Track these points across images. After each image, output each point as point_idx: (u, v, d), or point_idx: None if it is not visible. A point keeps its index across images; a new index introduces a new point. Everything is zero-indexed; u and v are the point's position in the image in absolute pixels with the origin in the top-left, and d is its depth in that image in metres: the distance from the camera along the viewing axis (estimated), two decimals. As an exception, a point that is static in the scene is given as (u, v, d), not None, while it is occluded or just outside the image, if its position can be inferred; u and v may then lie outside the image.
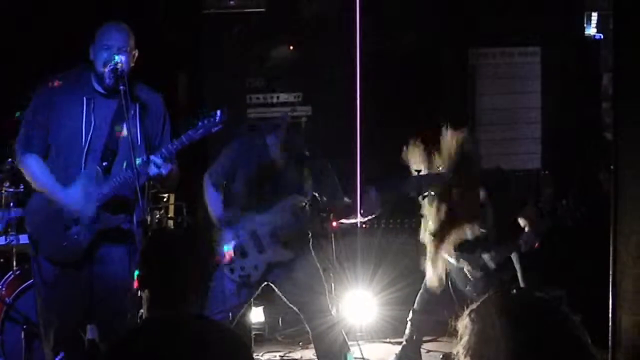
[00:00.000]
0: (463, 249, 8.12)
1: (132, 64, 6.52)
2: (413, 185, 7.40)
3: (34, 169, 6.60)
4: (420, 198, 7.96)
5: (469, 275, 8.22)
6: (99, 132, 6.53)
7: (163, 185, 7.06)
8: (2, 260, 8.65)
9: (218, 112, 6.48)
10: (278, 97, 10.14)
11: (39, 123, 6.61)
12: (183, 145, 6.47)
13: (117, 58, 6.37)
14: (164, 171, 6.36)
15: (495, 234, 8.16)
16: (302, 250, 7.29)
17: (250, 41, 10.31)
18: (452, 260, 8.17)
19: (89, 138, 6.49)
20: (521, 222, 8.17)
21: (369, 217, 7.28)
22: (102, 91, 6.54)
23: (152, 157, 6.35)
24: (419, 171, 7.73)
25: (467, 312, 2.66)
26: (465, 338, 2.63)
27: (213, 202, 7.32)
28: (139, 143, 6.49)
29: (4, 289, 8.22)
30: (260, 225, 7.16)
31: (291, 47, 10.66)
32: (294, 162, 7.26)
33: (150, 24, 9.51)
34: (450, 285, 8.30)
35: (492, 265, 8.16)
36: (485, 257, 8.16)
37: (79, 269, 6.65)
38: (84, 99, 6.52)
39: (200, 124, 6.48)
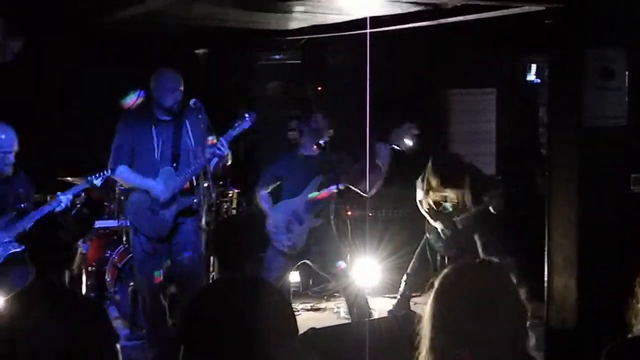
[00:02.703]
0: (441, 211, 8.14)
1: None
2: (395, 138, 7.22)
3: (126, 175, 6.88)
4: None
5: (441, 234, 8.21)
6: (165, 145, 6.79)
7: (224, 164, 7.02)
8: (115, 237, 8.65)
9: (247, 116, 6.86)
10: (310, 124, 10.12)
11: (123, 143, 6.86)
12: (232, 136, 6.77)
13: (178, 96, 6.74)
14: (226, 151, 6.68)
15: (467, 204, 8.16)
16: (329, 223, 7.33)
17: (290, 82, 10.31)
18: (431, 220, 8.20)
19: (160, 151, 6.75)
20: (485, 198, 8.15)
21: (383, 173, 7.09)
22: (164, 117, 6.79)
23: (219, 142, 6.66)
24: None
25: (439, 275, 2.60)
26: (432, 295, 2.57)
27: (263, 201, 7.33)
28: (193, 146, 6.80)
29: (116, 257, 8.21)
30: (298, 205, 7.14)
31: (319, 88, 10.67)
32: (321, 162, 7.22)
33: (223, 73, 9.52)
34: (427, 246, 8.33)
35: (460, 226, 8.16)
36: (456, 219, 8.16)
37: (165, 243, 6.84)
38: (152, 124, 6.79)
39: (237, 124, 6.85)
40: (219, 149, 6.63)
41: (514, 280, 2.57)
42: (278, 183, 7.33)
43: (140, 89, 7.97)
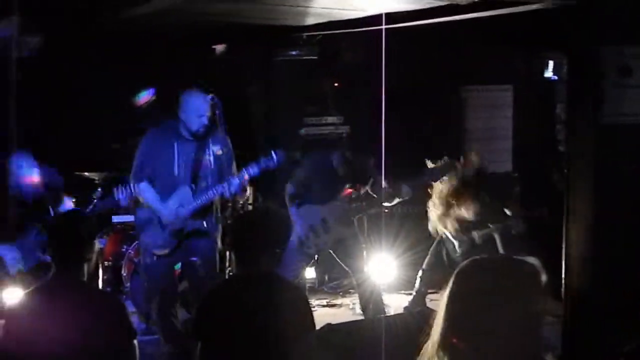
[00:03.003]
0: (462, 227, 8.07)
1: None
2: (430, 174, 7.38)
3: (145, 193, 6.86)
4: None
5: (457, 247, 8.15)
6: (186, 165, 6.79)
7: (236, 197, 7.18)
8: (132, 232, 8.66)
9: (274, 153, 6.76)
10: (326, 119, 10.10)
11: (145, 160, 6.87)
12: (250, 175, 6.76)
13: (205, 121, 6.74)
14: (238, 190, 6.73)
15: (486, 218, 8.08)
16: (353, 228, 7.36)
17: (306, 79, 10.29)
18: (450, 236, 8.11)
19: (180, 170, 6.78)
20: (507, 211, 8.08)
21: (398, 202, 7.26)
22: (187, 137, 6.79)
23: (231, 179, 6.69)
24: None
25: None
26: (447, 289, 2.56)
27: (288, 195, 7.35)
28: (214, 169, 6.82)
29: (132, 252, 8.23)
30: (327, 213, 7.20)
31: (335, 84, 10.66)
32: (347, 168, 7.28)
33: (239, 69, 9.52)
34: (443, 242, 8.28)
35: (479, 241, 8.08)
36: (475, 234, 8.08)
37: (171, 256, 6.88)
38: (175, 143, 6.77)
39: (262, 161, 6.76)
40: (240, 186, 6.69)
41: (540, 280, 2.55)
42: (304, 182, 7.36)
43: (152, 86, 8.00)
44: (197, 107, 6.71)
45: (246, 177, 6.71)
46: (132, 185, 6.87)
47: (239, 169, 6.84)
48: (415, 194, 7.45)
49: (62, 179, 7.08)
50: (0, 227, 6.50)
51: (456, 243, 8.12)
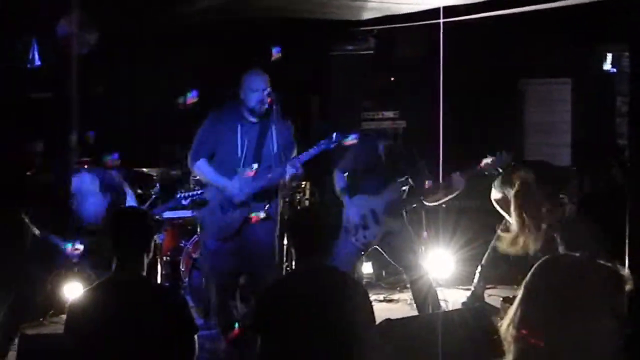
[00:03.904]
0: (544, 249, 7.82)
1: (270, 98, 6.68)
2: (490, 166, 7.23)
3: (204, 169, 6.87)
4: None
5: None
6: (249, 147, 6.76)
7: (293, 182, 7.15)
8: (189, 227, 8.73)
9: (335, 135, 6.75)
10: (382, 114, 10.07)
11: (206, 139, 6.87)
12: (311, 156, 6.74)
13: (264, 97, 6.64)
14: (298, 171, 6.66)
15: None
16: (402, 221, 7.21)
17: (363, 74, 10.28)
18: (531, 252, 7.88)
19: (243, 151, 6.73)
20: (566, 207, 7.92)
21: (453, 195, 7.14)
22: (250, 119, 6.76)
23: (293, 160, 6.67)
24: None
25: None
26: (522, 287, 2.55)
27: (338, 181, 7.27)
28: (276, 153, 6.75)
29: (190, 247, 8.28)
30: (377, 204, 7.11)
31: (392, 78, 10.64)
32: (394, 158, 7.21)
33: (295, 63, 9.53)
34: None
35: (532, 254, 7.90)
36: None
37: (233, 241, 6.85)
38: (238, 125, 6.76)
39: (322, 142, 6.76)
40: (295, 166, 6.63)
41: (623, 285, 2.51)
42: (355, 172, 7.30)
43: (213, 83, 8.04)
44: (254, 83, 6.68)
45: (306, 158, 6.69)
46: (190, 163, 6.92)
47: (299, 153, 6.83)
48: (469, 186, 7.33)
49: (121, 180, 7.10)
50: (61, 223, 6.57)
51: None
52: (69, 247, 6.50)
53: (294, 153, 6.85)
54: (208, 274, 7.13)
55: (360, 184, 7.23)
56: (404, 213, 7.33)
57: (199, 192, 7.03)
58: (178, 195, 7.16)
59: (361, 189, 7.21)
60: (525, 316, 2.48)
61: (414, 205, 7.35)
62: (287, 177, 6.67)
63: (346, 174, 7.29)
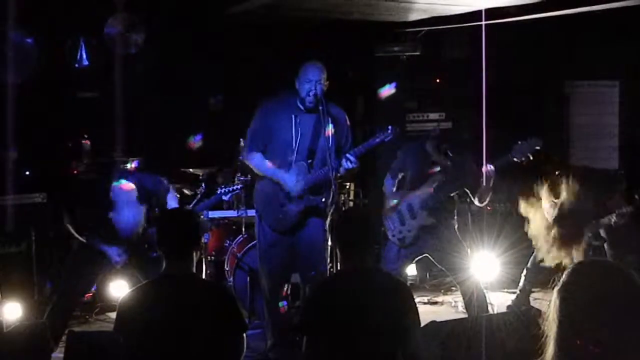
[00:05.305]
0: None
1: (325, 89, 6.61)
2: (518, 152, 7.13)
3: (258, 162, 6.80)
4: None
5: None
6: (304, 138, 6.69)
7: (349, 175, 7.12)
8: (234, 227, 8.79)
9: (390, 128, 6.68)
10: (428, 116, 10.08)
11: (260, 131, 6.79)
12: (366, 149, 6.67)
13: (316, 88, 6.55)
14: (354, 165, 6.58)
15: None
16: (446, 221, 7.12)
17: (409, 75, 10.28)
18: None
19: (297, 143, 6.67)
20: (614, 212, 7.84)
21: (490, 195, 7.05)
22: (304, 109, 6.69)
23: (348, 155, 6.59)
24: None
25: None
26: (556, 293, 2.53)
27: (387, 186, 7.27)
28: (331, 145, 6.60)
29: (235, 247, 8.33)
30: (413, 198, 7.07)
31: (437, 80, 10.62)
32: (442, 158, 7.17)
33: (341, 64, 9.55)
34: None
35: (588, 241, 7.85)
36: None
37: (288, 235, 6.83)
38: (292, 115, 6.69)
39: (378, 135, 6.69)
40: (351, 161, 6.57)
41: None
42: (402, 174, 7.28)
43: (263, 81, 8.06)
44: (310, 73, 6.60)
45: (362, 151, 6.64)
46: (245, 156, 6.90)
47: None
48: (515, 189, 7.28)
49: (164, 183, 7.07)
50: (105, 226, 6.58)
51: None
52: (114, 253, 6.52)
53: (350, 142, 6.83)
54: (262, 268, 7.03)
55: (405, 182, 7.21)
56: (452, 215, 7.26)
57: (238, 187, 7.05)
58: (219, 191, 7.22)
59: (403, 186, 7.19)
60: (571, 325, 2.46)
61: (451, 194, 7.22)
62: (343, 170, 6.65)
63: (397, 178, 7.27)
